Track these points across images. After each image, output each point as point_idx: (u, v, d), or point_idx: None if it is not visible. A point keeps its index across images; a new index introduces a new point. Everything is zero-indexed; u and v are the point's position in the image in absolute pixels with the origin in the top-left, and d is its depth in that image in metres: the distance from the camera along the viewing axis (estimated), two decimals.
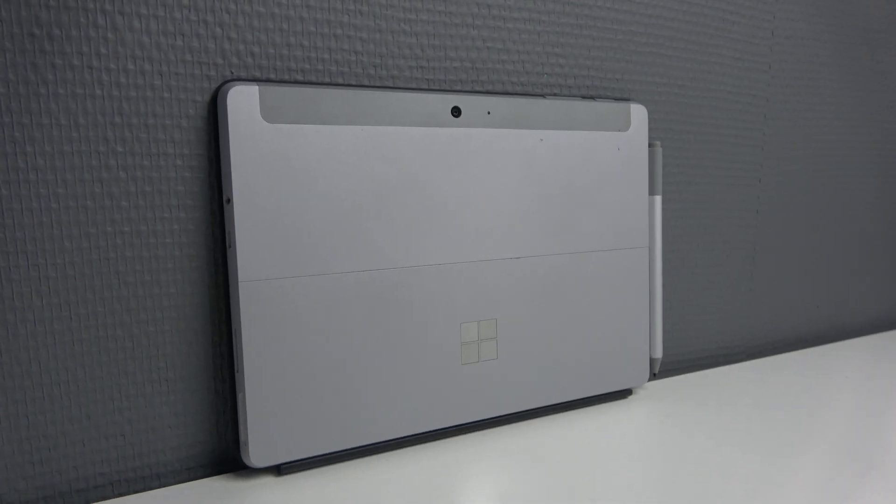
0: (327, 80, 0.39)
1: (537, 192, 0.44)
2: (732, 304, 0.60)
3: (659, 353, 0.51)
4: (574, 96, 0.47)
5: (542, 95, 0.46)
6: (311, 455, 0.38)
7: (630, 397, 0.50)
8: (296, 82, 0.38)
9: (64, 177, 0.33)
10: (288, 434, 0.38)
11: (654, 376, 0.52)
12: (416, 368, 0.41)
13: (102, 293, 0.35)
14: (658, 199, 0.50)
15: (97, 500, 0.36)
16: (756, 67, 0.57)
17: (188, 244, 0.37)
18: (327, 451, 0.39)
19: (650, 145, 0.49)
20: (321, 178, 0.37)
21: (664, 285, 0.55)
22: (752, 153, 0.58)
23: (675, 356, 0.57)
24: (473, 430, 0.44)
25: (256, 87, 0.36)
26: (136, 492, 0.37)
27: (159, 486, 0.38)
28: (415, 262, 0.40)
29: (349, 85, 0.39)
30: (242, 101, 0.35)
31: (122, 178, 0.35)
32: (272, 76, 0.38)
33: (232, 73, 0.37)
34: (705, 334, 0.58)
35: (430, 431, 0.42)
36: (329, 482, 0.37)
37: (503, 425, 0.45)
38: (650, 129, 0.52)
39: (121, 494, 0.37)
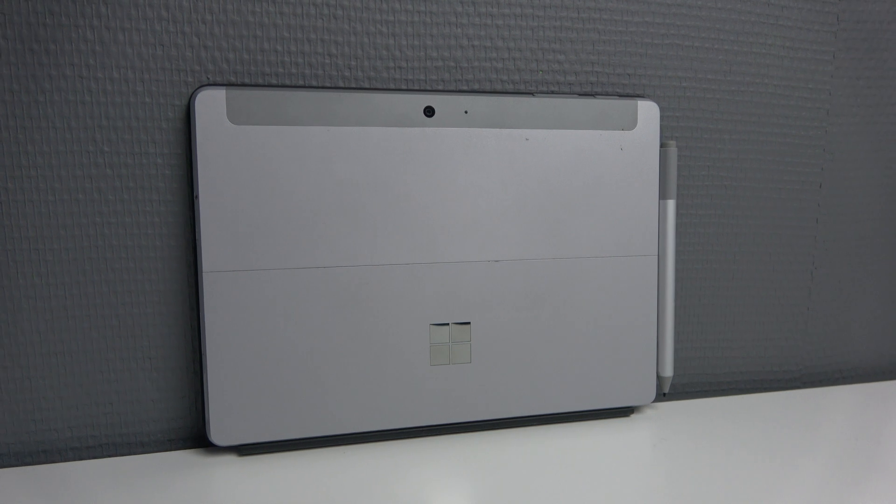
0: (301, 83, 0.41)
1: (521, 193, 0.43)
2: (785, 323, 0.53)
3: (669, 372, 0.47)
4: (570, 93, 0.45)
5: (531, 93, 0.44)
6: (270, 440, 0.40)
7: (632, 416, 0.47)
8: (269, 86, 0.40)
9: (59, 173, 0.38)
10: (249, 417, 0.40)
11: (663, 396, 0.48)
12: (380, 365, 0.41)
13: (92, 276, 0.40)
14: (671, 203, 0.46)
15: (88, 459, 0.41)
16: (816, 58, 0.50)
17: (168, 235, 0.40)
18: (287, 438, 0.41)
19: (662, 145, 0.46)
20: (285, 176, 0.39)
21: (689, 298, 0.50)
22: (811, 154, 0.51)
23: (706, 377, 0.52)
24: (444, 433, 0.44)
25: (224, 91, 0.38)
26: (122, 455, 0.41)
27: (144, 453, 0.42)
28: (380, 261, 0.41)
29: (319, 87, 0.41)
30: (210, 104, 0.38)
31: (108, 174, 0.39)
32: (246, 80, 0.40)
33: (208, 78, 0.39)
34: (750, 355, 0.53)
35: (396, 430, 0.42)
36: (286, 467, 0.39)
37: (477, 431, 0.44)
38: (670, 128, 0.48)
39: (108, 456, 0.41)
